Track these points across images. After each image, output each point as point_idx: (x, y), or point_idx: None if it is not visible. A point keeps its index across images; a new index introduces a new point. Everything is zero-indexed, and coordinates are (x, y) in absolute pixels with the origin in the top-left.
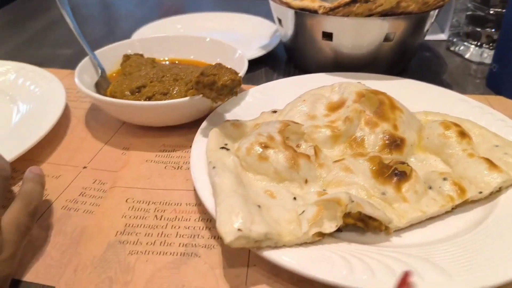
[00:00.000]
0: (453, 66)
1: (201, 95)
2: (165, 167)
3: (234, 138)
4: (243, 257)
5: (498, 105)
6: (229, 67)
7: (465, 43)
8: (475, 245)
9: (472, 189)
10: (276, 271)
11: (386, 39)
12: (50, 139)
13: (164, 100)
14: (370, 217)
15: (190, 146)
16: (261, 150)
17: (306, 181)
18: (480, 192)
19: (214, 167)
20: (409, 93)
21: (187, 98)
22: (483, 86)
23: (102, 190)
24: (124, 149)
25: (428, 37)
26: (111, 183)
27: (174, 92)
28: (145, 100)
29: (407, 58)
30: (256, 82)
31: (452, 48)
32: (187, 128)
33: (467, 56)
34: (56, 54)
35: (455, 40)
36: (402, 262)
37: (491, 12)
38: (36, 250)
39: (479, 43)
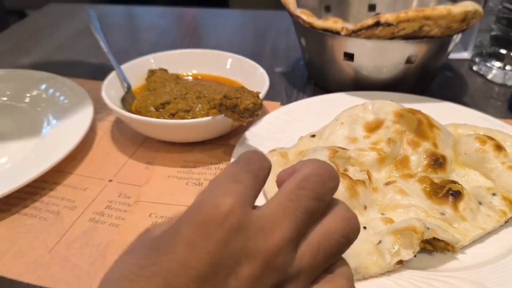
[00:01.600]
0: (475, 88)
1: (223, 115)
2: (186, 183)
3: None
4: None
5: None
6: (251, 90)
7: (488, 64)
8: None
9: None
10: None
11: (408, 61)
12: (77, 151)
13: (187, 116)
14: (436, 238)
15: (211, 163)
16: None
17: (365, 208)
18: None
19: None
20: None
21: (209, 118)
22: (504, 110)
23: (127, 204)
24: (148, 163)
25: (450, 56)
26: (135, 197)
27: (197, 109)
28: (169, 116)
29: (429, 79)
30: (276, 97)
31: (474, 68)
32: (209, 144)
33: (489, 77)
34: (84, 63)
35: (477, 60)
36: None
37: None
38: (66, 262)
39: (502, 65)
